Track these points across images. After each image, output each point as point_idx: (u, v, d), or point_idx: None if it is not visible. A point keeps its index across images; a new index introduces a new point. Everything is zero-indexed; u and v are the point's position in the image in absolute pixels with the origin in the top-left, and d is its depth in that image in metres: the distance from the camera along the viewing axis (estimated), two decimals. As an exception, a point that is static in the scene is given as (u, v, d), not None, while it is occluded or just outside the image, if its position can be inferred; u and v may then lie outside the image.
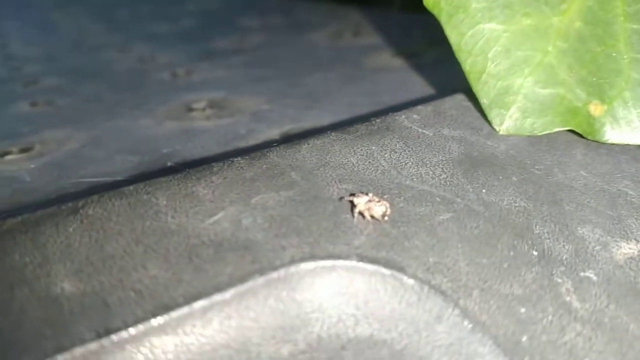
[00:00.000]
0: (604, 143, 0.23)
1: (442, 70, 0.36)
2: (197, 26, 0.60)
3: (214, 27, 0.59)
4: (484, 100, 0.23)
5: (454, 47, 0.23)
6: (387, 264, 0.17)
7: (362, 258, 0.17)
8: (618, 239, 0.20)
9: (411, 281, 0.17)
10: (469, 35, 0.23)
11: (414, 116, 0.24)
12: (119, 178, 0.25)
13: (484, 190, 0.21)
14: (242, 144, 0.28)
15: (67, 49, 0.56)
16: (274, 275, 0.17)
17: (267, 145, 0.24)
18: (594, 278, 0.18)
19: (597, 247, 0.19)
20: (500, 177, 0.21)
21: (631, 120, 0.22)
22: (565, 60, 0.23)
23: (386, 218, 0.19)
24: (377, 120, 0.24)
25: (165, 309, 0.16)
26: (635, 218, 0.20)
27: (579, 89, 0.23)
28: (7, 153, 0.29)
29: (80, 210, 0.18)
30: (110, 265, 0.17)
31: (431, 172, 0.21)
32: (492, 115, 0.23)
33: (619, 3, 0.22)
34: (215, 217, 0.18)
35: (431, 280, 0.17)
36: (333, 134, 0.23)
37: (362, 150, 0.22)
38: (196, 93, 0.37)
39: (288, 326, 0.17)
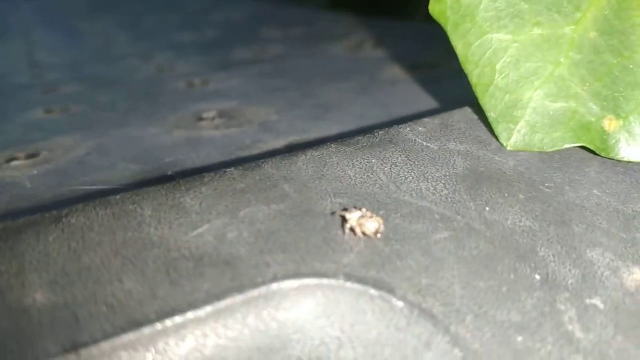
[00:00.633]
0: (619, 161, 0.22)
1: (459, 83, 0.35)
2: (219, 36, 0.60)
3: (236, 37, 0.59)
4: (491, 114, 0.22)
5: (461, 58, 0.22)
6: (376, 284, 0.16)
7: (349, 277, 0.17)
8: (630, 264, 0.18)
9: (400, 303, 0.16)
10: (476, 46, 0.22)
11: (419, 129, 0.23)
12: (116, 186, 0.25)
13: (487, 208, 0.20)
14: (246, 154, 0.28)
15: (90, 58, 0.57)
16: (254, 292, 0.16)
17: (269, 155, 0.23)
18: (601, 306, 0.17)
19: (607, 272, 0.18)
20: (506, 195, 0.20)
21: (649, 137, 0.21)
22: (578, 73, 0.21)
23: (379, 235, 0.18)
24: (380, 132, 0.23)
25: (136, 324, 0.15)
26: (651, 242, 0.19)
27: (593, 102, 0.21)
28: (13, 159, 0.29)
29: (63, 219, 0.18)
30: (85, 277, 0.16)
31: (432, 188, 0.20)
32: (500, 129, 0.22)
33: (637, 12, 0.21)
34: (199, 230, 0.18)
35: (422, 303, 0.16)
36: (333, 145, 0.22)
37: (361, 163, 0.21)
38: (208, 102, 0.37)
39: (267, 347, 0.16)
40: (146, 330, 0.15)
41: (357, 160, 0.21)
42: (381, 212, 0.19)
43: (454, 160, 0.22)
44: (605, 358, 0.16)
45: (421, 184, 0.20)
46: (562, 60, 0.22)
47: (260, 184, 0.20)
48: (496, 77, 0.22)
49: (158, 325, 0.15)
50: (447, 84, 0.36)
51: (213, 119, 0.33)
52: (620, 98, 0.21)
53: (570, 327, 0.16)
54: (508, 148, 0.22)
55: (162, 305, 0.15)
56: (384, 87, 0.37)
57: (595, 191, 0.21)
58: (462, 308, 0.16)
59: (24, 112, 0.39)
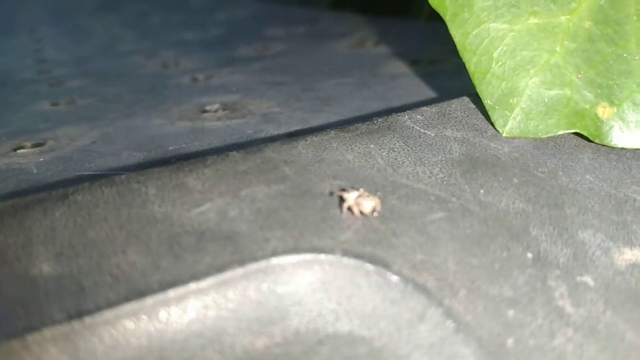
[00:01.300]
0: (613, 147, 0.22)
1: (460, 78, 0.35)
2: (223, 34, 0.61)
3: (240, 35, 0.59)
4: (487, 101, 0.23)
5: (459, 47, 0.23)
6: (372, 260, 0.17)
7: (346, 253, 0.17)
8: (621, 245, 0.19)
9: (395, 278, 0.17)
10: (474, 35, 0.22)
11: (417, 117, 0.24)
12: (121, 172, 0.25)
13: (481, 191, 0.20)
14: (248, 142, 0.28)
15: (97, 54, 0.57)
16: (254, 266, 0.16)
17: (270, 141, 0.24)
18: (591, 283, 0.17)
19: (598, 252, 0.18)
20: (501, 179, 0.21)
21: (641, 124, 0.21)
22: (572, 61, 0.22)
23: (375, 214, 0.18)
24: (379, 120, 0.24)
25: (139, 294, 0.15)
26: (642, 224, 0.19)
27: (587, 90, 0.22)
28: (20, 147, 0.30)
29: (70, 197, 0.19)
30: (90, 250, 0.17)
31: (428, 172, 0.21)
32: (496, 116, 0.23)
33: (631, 2, 0.21)
34: (202, 208, 0.18)
35: (416, 278, 0.17)
36: (332, 131, 0.23)
37: (360, 148, 0.22)
38: (212, 96, 0.37)
39: (266, 318, 0.16)
40: (149, 300, 0.15)
41: (356, 146, 0.22)
42: (378, 193, 0.19)
43: (451, 147, 0.22)
44: (594, 332, 0.16)
45: (418, 168, 0.21)
46: (557, 49, 0.22)
47: (261, 167, 0.20)
48: (493, 65, 0.22)
49: (161, 295, 0.16)
50: (447, 78, 0.36)
51: (216, 111, 0.34)
52: (614, 86, 0.22)
53: (561, 303, 0.17)
54: (504, 135, 0.23)
55: (165, 276, 0.16)
56: (384, 82, 0.37)
57: (588, 176, 0.21)
58: (456, 283, 0.17)
59: (30, 104, 0.40)
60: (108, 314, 0.15)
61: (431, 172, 0.21)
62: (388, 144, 0.22)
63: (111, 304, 0.15)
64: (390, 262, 0.17)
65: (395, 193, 0.20)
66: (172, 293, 0.16)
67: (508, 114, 0.22)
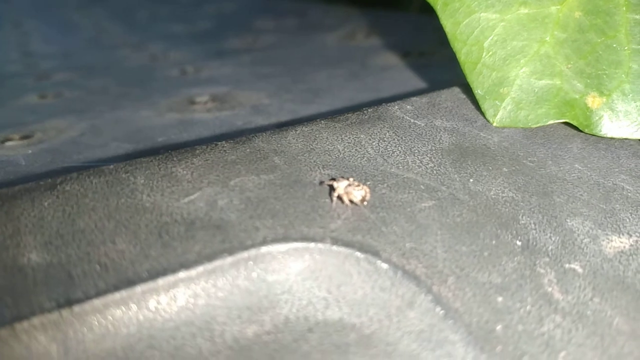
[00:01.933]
0: (602, 137, 0.22)
1: (451, 69, 0.35)
2: (212, 27, 0.60)
3: (229, 28, 0.59)
4: (478, 91, 0.23)
5: (449, 37, 0.23)
6: (362, 248, 0.17)
7: (336, 241, 0.17)
8: (609, 233, 0.19)
9: (385, 265, 0.17)
10: (465, 24, 0.22)
11: (407, 107, 0.24)
12: (109, 164, 0.25)
13: (471, 180, 0.20)
14: (237, 133, 0.28)
15: (84, 48, 0.57)
16: (244, 254, 0.16)
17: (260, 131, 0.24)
18: (580, 270, 0.17)
19: (586, 240, 0.18)
20: (490, 168, 0.21)
21: (630, 113, 0.21)
22: (562, 51, 0.22)
23: (365, 203, 0.18)
24: (369, 110, 0.24)
25: (129, 282, 0.15)
26: (630, 212, 0.20)
27: (577, 80, 0.22)
28: (8, 140, 0.30)
29: (58, 186, 0.18)
30: (79, 239, 0.17)
31: (418, 161, 0.21)
32: (486, 106, 0.23)
33: (619, -8, 0.21)
34: (191, 197, 0.18)
35: (405, 265, 0.17)
36: (322, 122, 0.23)
37: (350, 138, 0.22)
38: (201, 88, 0.37)
39: (256, 306, 0.16)
40: (138, 289, 0.15)
41: (346, 136, 0.22)
42: (368, 182, 0.19)
43: (440, 136, 0.22)
44: (582, 318, 0.16)
45: (408, 157, 0.21)
46: (547, 39, 0.22)
47: (250, 156, 0.20)
48: (484, 55, 0.22)
49: (150, 284, 0.15)
50: (438, 70, 0.36)
51: (205, 102, 0.34)
52: (604, 76, 0.22)
53: (549, 289, 0.17)
54: (494, 124, 0.23)
55: (154, 265, 0.16)
56: (375, 73, 0.37)
57: (577, 165, 0.21)
58: (445, 270, 0.17)
59: (17, 97, 0.39)
60: (97, 302, 0.15)
61: (421, 162, 0.21)
62: (378, 133, 0.22)
63: (100, 293, 0.15)
64: (379, 250, 0.17)
65: (385, 182, 0.20)
66: (161, 281, 0.15)
67: (498, 103, 0.22)
